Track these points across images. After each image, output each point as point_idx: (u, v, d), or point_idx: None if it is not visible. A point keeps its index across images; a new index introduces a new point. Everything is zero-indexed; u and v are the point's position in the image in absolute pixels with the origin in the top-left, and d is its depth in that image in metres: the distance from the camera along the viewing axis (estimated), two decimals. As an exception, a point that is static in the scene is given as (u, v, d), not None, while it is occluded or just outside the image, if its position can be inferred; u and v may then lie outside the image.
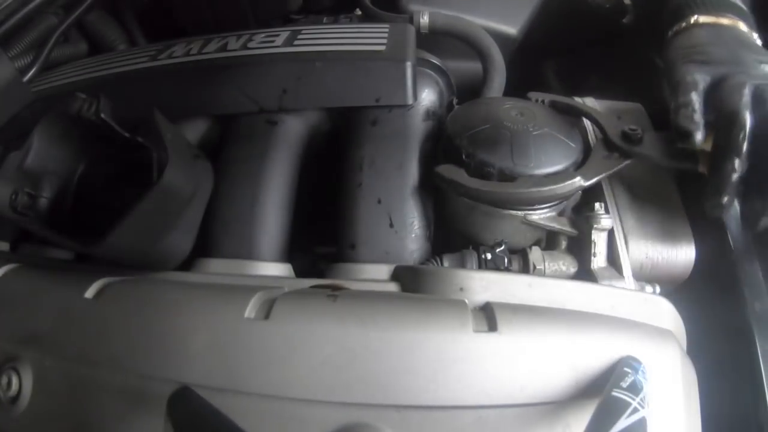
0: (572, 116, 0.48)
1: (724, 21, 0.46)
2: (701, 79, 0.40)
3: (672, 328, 0.36)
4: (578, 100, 0.52)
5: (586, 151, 0.44)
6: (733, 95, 0.38)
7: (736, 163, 0.37)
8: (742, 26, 0.46)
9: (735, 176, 0.37)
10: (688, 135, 0.39)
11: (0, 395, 0.35)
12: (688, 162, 0.41)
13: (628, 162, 0.43)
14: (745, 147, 0.37)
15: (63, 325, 0.36)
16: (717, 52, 0.42)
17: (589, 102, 0.52)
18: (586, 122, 0.48)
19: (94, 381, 0.34)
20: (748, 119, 0.37)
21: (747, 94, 0.37)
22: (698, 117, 0.39)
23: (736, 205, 0.42)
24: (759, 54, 0.42)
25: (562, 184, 0.40)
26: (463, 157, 0.42)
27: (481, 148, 0.42)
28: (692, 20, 0.46)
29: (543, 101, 0.49)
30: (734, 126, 0.37)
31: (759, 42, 0.46)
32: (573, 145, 0.43)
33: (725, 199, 0.38)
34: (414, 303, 0.34)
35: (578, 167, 0.43)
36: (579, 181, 0.41)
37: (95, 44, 0.65)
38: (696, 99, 0.39)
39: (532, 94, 0.49)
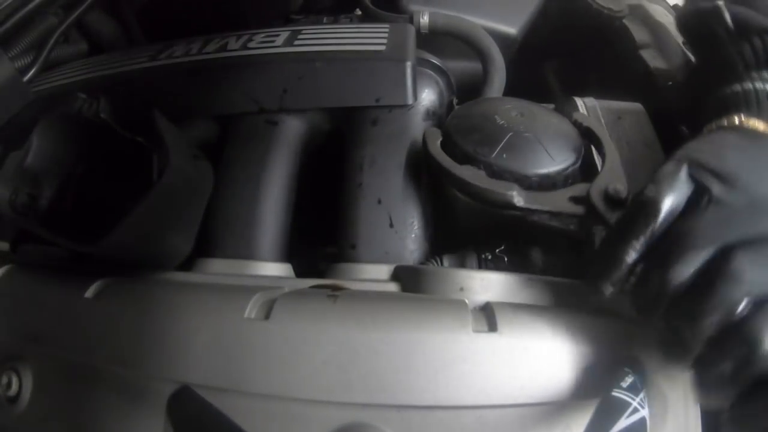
0: (594, 146, 0.45)
1: None
2: (681, 184, 0.31)
3: (672, 328, 0.36)
4: (578, 100, 0.52)
5: (585, 165, 0.43)
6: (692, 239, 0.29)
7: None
8: None
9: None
10: (596, 285, 0.31)
11: (0, 395, 0.35)
12: None
13: (577, 215, 0.38)
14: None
15: (63, 325, 0.36)
16: (734, 162, 0.32)
17: (589, 102, 0.52)
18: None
19: (94, 381, 0.34)
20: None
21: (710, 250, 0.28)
22: (622, 271, 0.30)
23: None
24: None
25: (493, 191, 0.38)
26: (462, 151, 0.42)
27: (459, 131, 0.43)
28: (736, 121, 0.36)
29: (581, 124, 0.45)
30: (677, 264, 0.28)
31: None
32: (552, 158, 0.41)
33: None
34: (414, 303, 0.34)
35: (573, 178, 0.42)
36: (511, 197, 0.38)
37: (95, 44, 0.64)
38: (639, 244, 0.30)
39: (578, 115, 0.46)
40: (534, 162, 0.41)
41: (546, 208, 0.39)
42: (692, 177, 0.31)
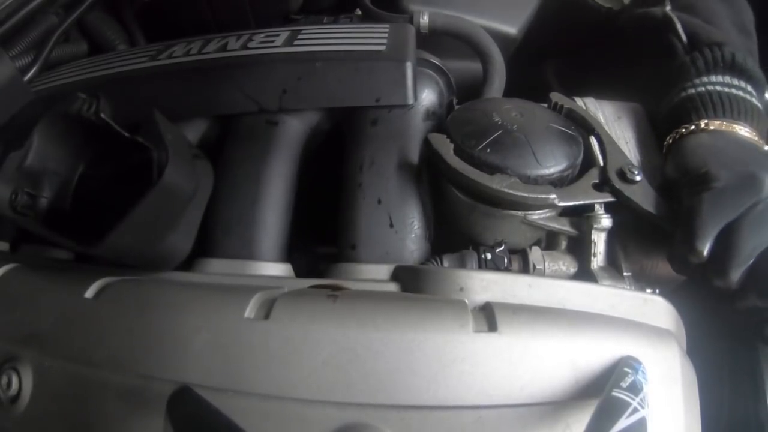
0: (583, 131, 0.47)
1: (737, 129, 0.42)
2: (713, 234, 0.36)
3: (672, 328, 0.36)
4: (578, 100, 0.52)
5: (586, 164, 0.44)
6: (739, 239, 0.35)
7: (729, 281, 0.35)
8: (755, 136, 0.42)
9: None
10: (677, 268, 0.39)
11: (0, 395, 0.35)
12: (672, 226, 0.40)
13: (611, 200, 0.42)
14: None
15: (63, 325, 0.36)
16: (733, 168, 0.38)
17: (589, 102, 0.52)
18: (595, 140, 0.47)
19: (94, 381, 0.33)
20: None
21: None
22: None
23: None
24: None
25: (534, 196, 0.40)
26: (449, 134, 0.43)
27: (454, 123, 0.43)
28: (703, 123, 0.43)
29: (561, 106, 0.48)
30: (725, 269, 0.35)
31: None
32: (538, 162, 0.41)
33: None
34: (414, 303, 0.34)
35: (571, 179, 0.42)
36: (553, 200, 0.40)
37: (95, 44, 0.64)
38: (708, 245, 0.36)
39: (554, 95, 0.48)
40: (518, 162, 0.41)
41: (579, 202, 0.41)
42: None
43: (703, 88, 0.45)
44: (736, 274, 0.35)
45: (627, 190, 0.41)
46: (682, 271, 0.39)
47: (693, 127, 0.43)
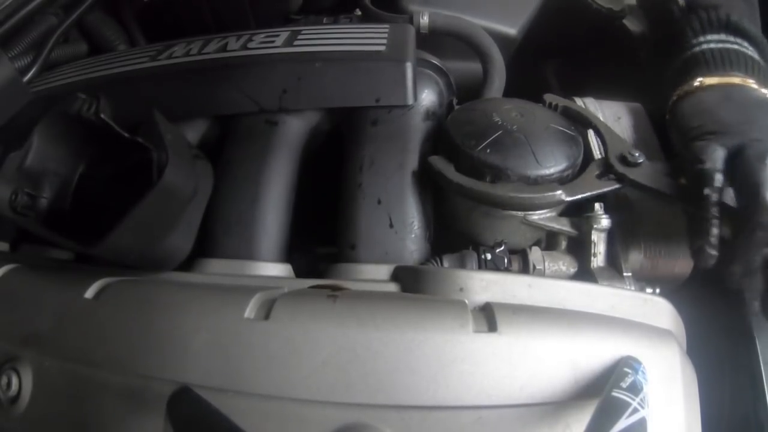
0: (581, 126, 0.47)
1: (733, 80, 0.43)
2: (719, 156, 0.37)
3: (672, 328, 0.36)
4: (578, 100, 0.52)
5: (586, 162, 0.44)
6: (754, 168, 0.35)
7: (761, 237, 0.34)
8: (752, 83, 0.43)
9: (761, 250, 0.35)
10: (702, 257, 0.36)
11: (0, 395, 0.35)
12: (682, 201, 0.40)
13: (617, 187, 0.42)
14: None
15: (63, 325, 0.36)
16: (729, 118, 0.40)
17: (589, 102, 0.52)
18: (593, 135, 0.47)
19: (94, 381, 0.34)
20: None
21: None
22: (715, 229, 0.36)
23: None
24: None
25: (542, 195, 0.40)
26: (450, 140, 0.43)
27: (455, 123, 0.43)
28: (697, 82, 0.44)
29: (556, 105, 0.48)
30: (758, 200, 0.34)
31: None
32: (538, 162, 0.41)
33: (743, 270, 0.35)
34: (414, 303, 0.34)
35: (571, 179, 0.43)
36: (560, 196, 0.40)
37: (95, 44, 0.64)
38: (716, 196, 0.36)
39: (548, 96, 0.48)
40: (518, 162, 0.41)
41: (587, 193, 0.41)
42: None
43: (698, 48, 0.46)
44: None
45: (632, 173, 0.41)
46: (703, 215, 0.37)
47: (687, 87, 0.45)
